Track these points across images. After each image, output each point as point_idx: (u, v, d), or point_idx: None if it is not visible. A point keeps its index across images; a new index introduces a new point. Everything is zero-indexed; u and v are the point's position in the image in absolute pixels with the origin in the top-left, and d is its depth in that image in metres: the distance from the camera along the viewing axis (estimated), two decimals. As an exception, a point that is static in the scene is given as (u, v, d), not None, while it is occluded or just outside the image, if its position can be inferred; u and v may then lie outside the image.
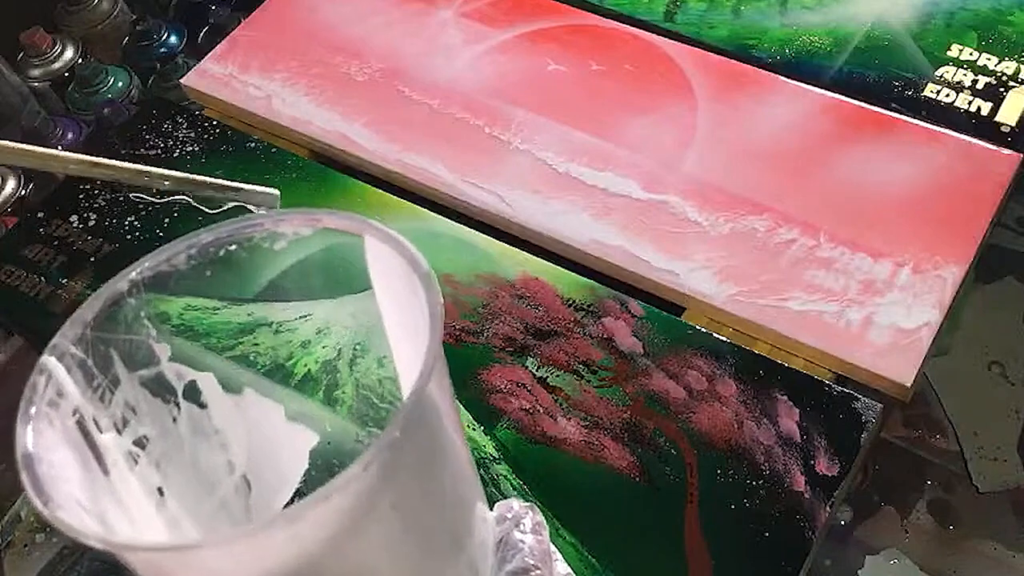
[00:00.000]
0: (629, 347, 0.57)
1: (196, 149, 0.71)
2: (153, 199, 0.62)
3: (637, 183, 0.64)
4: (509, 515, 0.35)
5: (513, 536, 0.34)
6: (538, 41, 0.73)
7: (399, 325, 0.31)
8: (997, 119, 0.63)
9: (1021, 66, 0.65)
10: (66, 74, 0.87)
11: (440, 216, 0.65)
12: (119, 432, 0.30)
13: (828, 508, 0.50)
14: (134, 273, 0.30)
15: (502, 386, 0.57)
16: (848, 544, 0.61)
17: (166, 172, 0.34)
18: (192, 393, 0.32)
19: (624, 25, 0.73)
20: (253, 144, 0.71)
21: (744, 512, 0.51)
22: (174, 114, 0.74)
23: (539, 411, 0.56)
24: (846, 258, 0.59)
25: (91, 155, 0.36)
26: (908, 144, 0.63)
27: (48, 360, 0.28)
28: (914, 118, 0.64)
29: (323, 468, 0.34)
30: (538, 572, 0.33)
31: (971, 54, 0.66)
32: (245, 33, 0.78)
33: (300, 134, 0.72)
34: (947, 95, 0.65)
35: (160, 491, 0.31)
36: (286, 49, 0.76)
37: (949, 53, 0.67)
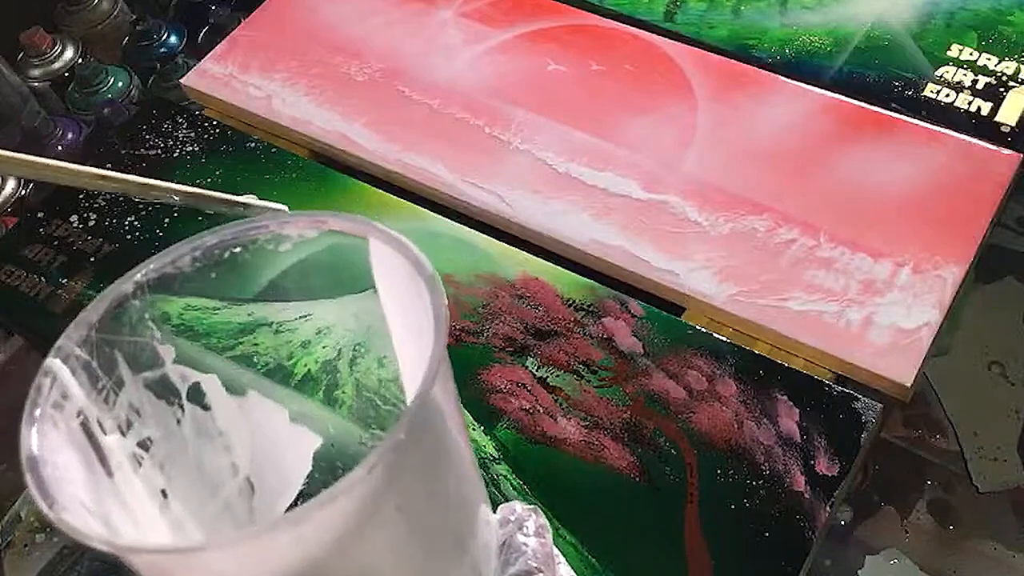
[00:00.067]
0: (629, 347, 0.57)
1: (196, 149, 0.71)
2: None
3: (637, 183, 0.64)
4: (512, 518, 0.35)
5: (516, 539, 0.34)
6: (538, 41, 0.73)
7: (403, 327, 0.31)
8: (997, 119, 0.63)
9: (1021, 66, 0.65)
10: (66, 74, 0.87)
11: (440, 216, 0.65)
12: (123, 434, 0.30)
13: (828, 508, 0.50)
14: (139, 275, 0.30)
15: (502, 386, 0.57)
16: (848, 544, 0.61)
17: (176, 187, 0.34)
18: (196, 395, 0.32)
19: (624, 25, 0.73)
20: (253, 144, 0.71)
21: (744, 512, 0.51)
22: (174, 114, 0.74)
23: (539, 411, 0.56)
24: (846, 258, 0.59)
25: (96, 163, 0.36)
26: (908, 144, 0.63)
27: (53, 362, 0.28)
28: (914, 118, 0.64)
29: (326, 470, 0.34)
30: (541, 575, 0.33)
31: (971, 54, 0.66)
32: (245, 33, 0.78)
33: (300, 134, 0.72)
34: (947, 95, 0.65)
35: (164, 493, 0.31)
36: (286, 49, 0.76)
37: (949, 53, 0.67)
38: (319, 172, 0.69)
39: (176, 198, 0.34)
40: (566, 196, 0.65)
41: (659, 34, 0.72)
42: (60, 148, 0.81)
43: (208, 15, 0.86)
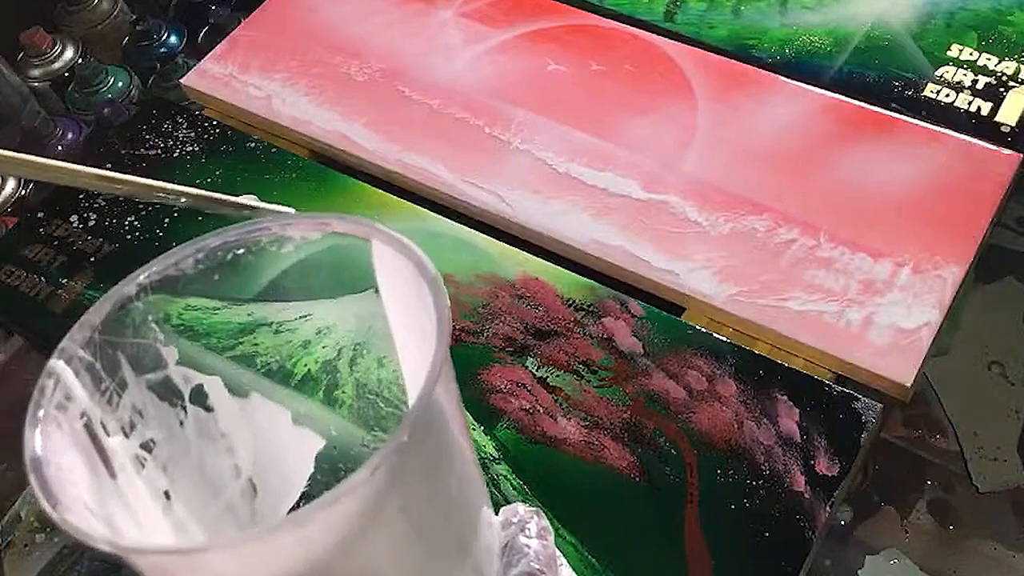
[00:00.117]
0: (629, 347, 0.57)
1: (196, 149, 0.71)
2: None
3: (637, 183, 0.64)
4: (515, 519, 0.35)
5: (519, 541, 0.34)
6: (538, 41, 0.73)
7: (405, 328, 0.31)
8: (997, 119, 0.64)
9: (1021, 66, 0.65)
10: (66, 74, 0.87)
11: (440, 216, 0.65)
12: (126, 435, 0.30)
13: (828, 508, 0.50)
14: (142, 277, 0.30)
15: (502, 386, 0.57)
16: (848, 544, 0.61)
17: (182, 189, 0.34)
18: (199, 397, 0.32)
19: (624, 25, 0.73)
20: (253, 144, 0.71)
21: (744, 512, 0.51)
22: (174, 114, 0.74)
23: (539, 411, 0.56)
24: (846, 258, 0.59)
25: (96, 163, 0.36)
26: (908, 144, 0.63)
27: (56, 363, 0.28)
28: (914, 118, 0.64)
29: (328, 472, 0.34)
30: (543, 577, 0.33)
31: (971, 54, 0.66)
32: (245, 33, 0.78)
33: (300, 134, 0.72)
34: (947, 95, 0.65)
35: (167, 494, 0.31)
36: (286, 49, 0.76)
37: (949, 53, 0.67)
38: (319, 172, 0.69)
39: (182, 200, 0.34)
40: (566, 196, 0.65)
41: (659, 34, 0.72)
42: (60, 148, 0.81)
43: (208, 15, 0.86)
